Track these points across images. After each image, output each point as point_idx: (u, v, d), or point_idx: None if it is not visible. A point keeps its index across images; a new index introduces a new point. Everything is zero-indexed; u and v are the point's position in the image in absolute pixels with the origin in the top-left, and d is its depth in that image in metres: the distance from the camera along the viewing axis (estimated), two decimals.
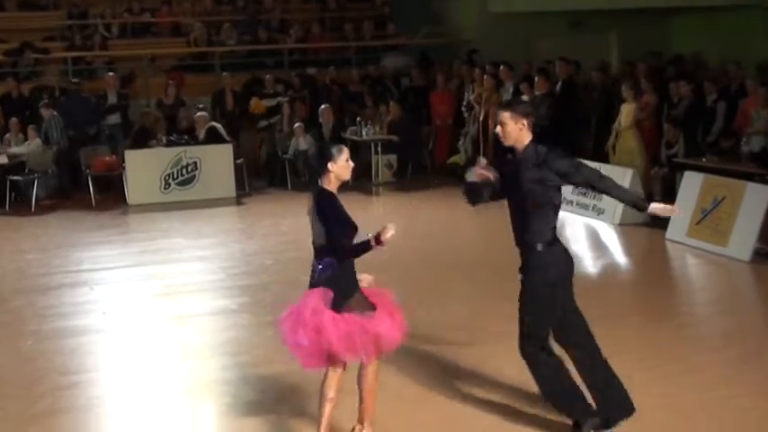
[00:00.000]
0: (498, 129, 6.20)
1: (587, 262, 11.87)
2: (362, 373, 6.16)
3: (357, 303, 5.94)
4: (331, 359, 5.97)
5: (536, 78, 15.49)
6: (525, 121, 6.12)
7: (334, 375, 6.03)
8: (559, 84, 15.61)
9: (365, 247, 5.91)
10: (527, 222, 6.13)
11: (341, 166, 5.98)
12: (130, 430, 6.74)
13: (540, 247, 6.11)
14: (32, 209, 15.34)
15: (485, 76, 16.78)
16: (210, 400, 7.34)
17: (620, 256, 12.38)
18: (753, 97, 13.60)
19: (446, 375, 7.55)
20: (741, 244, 11.28)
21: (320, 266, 5.95)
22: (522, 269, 6.25)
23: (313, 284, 5.98)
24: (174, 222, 14.43)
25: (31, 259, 12.27)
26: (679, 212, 7.83)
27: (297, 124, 17.26)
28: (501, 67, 16.80)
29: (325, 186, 6.00)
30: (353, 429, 6.31)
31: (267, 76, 18.75)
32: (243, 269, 11.53)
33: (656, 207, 6.30)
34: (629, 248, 12.39)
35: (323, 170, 5.98)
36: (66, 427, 6.84)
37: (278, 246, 12.67)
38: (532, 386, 6.54)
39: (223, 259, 12.08)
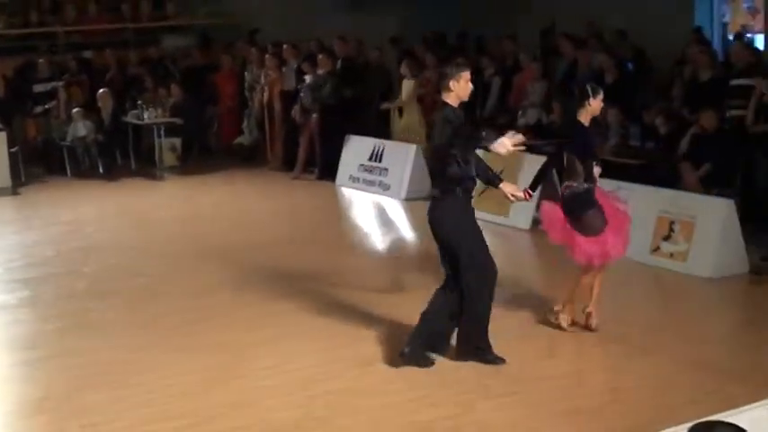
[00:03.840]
0: None
1: (375, 238, 12.04)
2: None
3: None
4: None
5: (319, 57, 15.48)
6: None
7: None
8: (339, 63, 15.68)
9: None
10: None
11: None
12: None
13: None
14: None
15: (266, 56, 16.64)
16: None
17: (406, 232, 12.60)
18: (527, 71, 14.10)
19: None
20: (521, 213, 11.65)
21: None
22: None
23: None
24: None
25: None
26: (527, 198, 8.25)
27: (75, 109, 16.66)
28: (284, 47, 16.70)
29: None
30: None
31: (40, 60, 17.98)
32: (22, 262, 11.03)
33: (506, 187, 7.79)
34: (414, 223, 12.58)
35: None
36: None
37: (59, 236, 12.23)
38: None
39: (1, 252, 11.54)
